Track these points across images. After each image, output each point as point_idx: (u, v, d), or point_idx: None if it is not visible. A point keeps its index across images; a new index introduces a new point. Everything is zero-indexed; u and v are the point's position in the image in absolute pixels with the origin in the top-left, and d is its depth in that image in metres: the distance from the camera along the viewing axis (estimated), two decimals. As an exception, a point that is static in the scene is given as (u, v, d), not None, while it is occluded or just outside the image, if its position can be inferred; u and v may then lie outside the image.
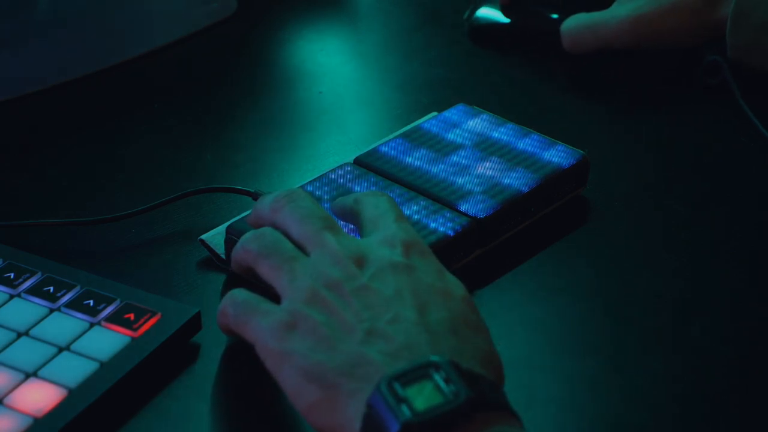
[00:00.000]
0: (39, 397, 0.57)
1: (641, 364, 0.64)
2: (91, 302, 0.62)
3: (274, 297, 0.58)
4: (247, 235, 0.62)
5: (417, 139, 0.75)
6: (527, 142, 0.75)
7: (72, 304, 0.62)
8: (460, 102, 0.79)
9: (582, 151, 0.74)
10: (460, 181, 0.71)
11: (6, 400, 0.57)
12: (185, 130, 0.82)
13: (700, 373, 0.63)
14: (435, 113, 0.79)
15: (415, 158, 0.73)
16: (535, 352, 0.65)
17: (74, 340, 0.60)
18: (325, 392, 0.53)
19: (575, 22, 0.88)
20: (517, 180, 0.72)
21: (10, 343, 0.60)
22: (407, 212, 0.68)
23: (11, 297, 0.63)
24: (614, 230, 0.73)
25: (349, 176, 0.71)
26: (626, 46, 0.87)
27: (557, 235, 0.72)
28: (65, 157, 0.78)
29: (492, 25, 0.93)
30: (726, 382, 0.63)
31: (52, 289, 0.63)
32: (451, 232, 0.68)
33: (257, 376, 0.58)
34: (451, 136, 0.76)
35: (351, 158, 0.74)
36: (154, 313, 0.62)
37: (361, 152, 0.74)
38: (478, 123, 0.77)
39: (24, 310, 0.62)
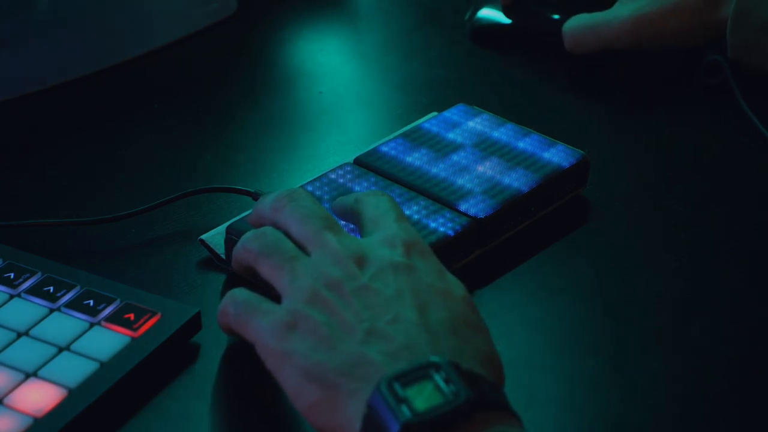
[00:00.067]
0: (39, 397, 0.57)
1: (641, 364, 0.64)
2: (91, 302, 0.62)
3: (274, 297, 0.58)
4: (248, 235, 0.62)
5: (417, 139, 0.75)
6: (527, 142, 0.75)
7: (72, 304, 0.62)
8: (460, 102, 0.79)
9: (582, 151, 0.74)
10: (460, 181, 0.71)
11: (6, 400, 0.57)
12: (185, 130, 0.82)
13: (700, 373, 0.63)
14: (435, 113, 0.79)
15: (415, 158, 0.73)
16: (535, 352, 0.65)
17: (74, 340, 0.60)
18: (325, 392, 0.53)
19: (577, 23, 0.88)
20: (517, 180, 0.72)
21: (10, 343, 0.60)
22: (407, 212, 0.68)
23: (11, 297, 0.63)
24: (614, 230, 0.73)
25: (349, 176, 0.71)
26: (628, 46, 0.87)
27: (557, 235, 0.72)
28: (65, 157, 0.78)
29: (493, 26, 0.93)
30: (726, 382, 0.63)
31: (52, 289, 0.63)
32: (451, 232, 0.68)
33: (257, 376, 0.58)
34: (451, 136, 0.76)
35: (351, 158, 0.74)
36: (154, 313, 0.62)
37: (361, 152, 0.74)
38: (478, 123, 0.77)
39: (24, 310, 0.62)
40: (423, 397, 0.51)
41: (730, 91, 0.84)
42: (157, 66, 0.89)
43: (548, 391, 0.62)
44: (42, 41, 0.85)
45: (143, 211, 0.71)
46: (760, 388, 0.63)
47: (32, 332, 0.61)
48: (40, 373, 0.58)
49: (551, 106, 0.86)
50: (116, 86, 0.86)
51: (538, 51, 0.91)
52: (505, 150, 0.74)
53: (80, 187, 0.75)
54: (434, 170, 0.72)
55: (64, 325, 0.61)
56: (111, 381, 0.58)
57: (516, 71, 0.90)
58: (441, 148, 0.74)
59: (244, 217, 0.67)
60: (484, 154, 0.74)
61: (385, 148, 0.74)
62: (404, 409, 0.51)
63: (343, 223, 0.66)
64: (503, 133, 0.76)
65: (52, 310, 0.62)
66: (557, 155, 0.74)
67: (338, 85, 0.89)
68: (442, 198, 0.70)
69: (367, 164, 0.73)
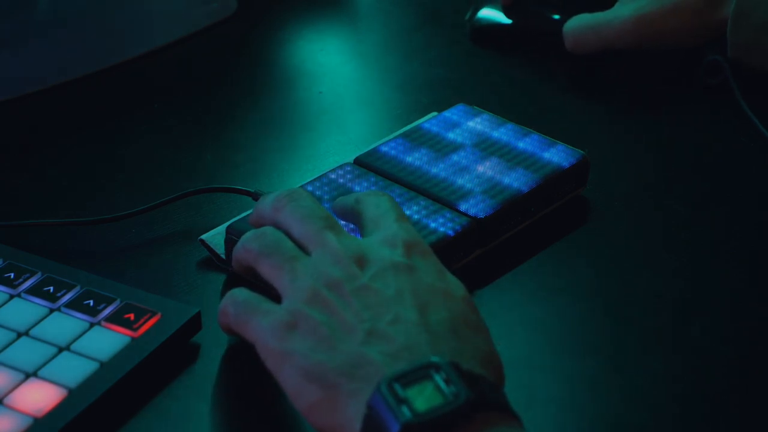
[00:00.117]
0: (39, 397, 0.57)
1: (641, 364, 0.64)
2: (91, 302, 0.62)
3: (274, 297, 0.58)
4: (248, 235, 0.62)
5: (417, 139, 0.75)
6: (527, 142, 0.75)
7: (72, 304, 0.62)
8: (460, 102, 0.79)
9: (582, 151, 0.74)
10: (460, 181, 0.71)
11: (6, 400, 0.57)
12: (185, 130, 0.82)
13: (700, 373, 0.63)
14: (435, 113, 0.79)
15: (415, 158, 0.73)
16: (535, 352, 0.65)
17: (74, 340, 0.60)
18: (325, 392, 0.53)
19: (578, 23, 0.88)
20: (517, 180, 0.72)
21: (10, 343, 0.60)
22: (407, 212, 0.68)
23: (11, 297, 0.63)
24: (614, 230, 0.73)
25: (349, 176, 0.71)
26: (629, 46, 0.87)
27: (557, 235, 0.72)
28: (65, 157, 0.78)
29: (494, 26, 0.93)
30: (726, 382, 0.63)
31: (52, 289, 0.63)
32: (451, 232, 0.68)
33: (257, 376, 0.58)
34: (451, 136, 0.76)
35: (351, 158, 0.74)
36: (154, 313, 0.62)
37: (361, 152, 0.74)
38: (478, 123, 0.77)
39: (24, 310, 0.62)
40: (423, 398, 0.51)
41: (730, 91, 0.84)
42: (157, 66, 0.89)
43: (548, 391, 0.62)
44: (42, 41, 0.85)
45: (143, 211, 0.71)
46: (760, 388, 0.63)
47: (32, 332, 0.61)
48: (40, 373, 0.58)
49: (551, 106, 0.86)
50: (116, 86, 0.86)
51: (538, 51, 0.91)
52: (505, 150, 0.74)
53: (80, 187, 0.75)
54: (434, 170, 0.72)
55: (64, 325, 0.61)
56: (111, 381, 0.58)
57: (516, 71, 0.90)
58: (441, 148, 0.74)
59: (244, 217, 0.67)
60: (484, 154, 0.74)
61: (385, 148, 0.74)
62: (404, 409, 0.51)
63: (343, 223, 0.65)
64: (503, 133, 0.76)
65: (52, 310, 0.62)
66: (557, 155, 0.74)
67: (338, 85, 0.89)
68: (442, 198, 0.70)
69: (367, 164, 0.73)
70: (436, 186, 0.71)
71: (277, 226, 0.62)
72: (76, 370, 0.58)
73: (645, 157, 0.81)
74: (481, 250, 0.70)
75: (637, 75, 0.89)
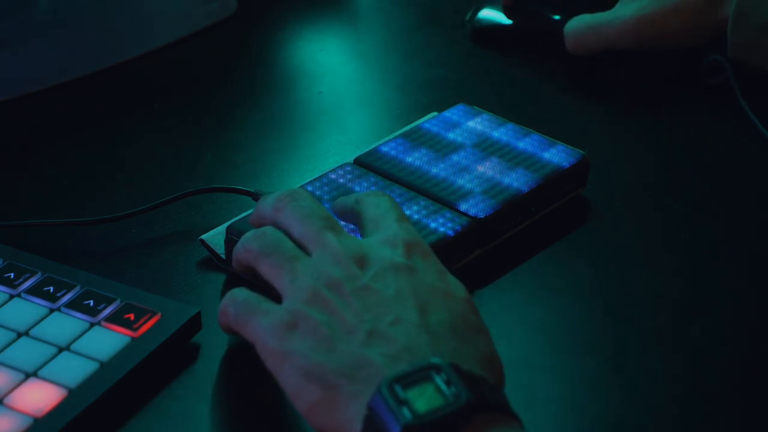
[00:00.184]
0: (39, 397, 0.57)
1: (641, 364, 0.64)
2: (91, 302, 0.62)
3: (274, 297, 0.58)
4: (249, 234, 0.62)
5: (417, 139, 0.75)
6: (527, 142, 0.75)
7: (72, 304, 0.62)
8: (460, 102, 0.79)
9: (582, 151, 0.74)
10: (460, 181, 0.71)
11: (6, 400, 0.57)
12: (185, 130, 0.82)
13: (700, 373, 0.63)
14: (435, 113, 0.79)
15: (415, 158, 0.73)
16: (535, 352, 0.65)
17: (74, 340, 0.60)
18: (325, 393, 0.53)
19: (578, 23, 0.88)
20: (517, 180, 0.72)
21: (10, 343, 0.60)
22: (407, 212, 0.68)
23: (11, 297, 0.63)
24: (614, 230, 0.73)
25: (349, 176, 0.71)
26: (629, 46, 0.87)
27: (557, 235, 0.72)
28: (65, 157, 0.78)
29: (494, 27, 0.93)
30: (726, 382, 0.63)
31: (52, 289, 0.63)
32: (451, 232, 0.68)
33: (257, 376, 0.58)
34: (451, 136, 0.76)
35: (351, 158, 0.74)
36: (154, 313, 0.62)
37: (361, 152, 0.74)
38: (478, 123, 0.77)
39: (24, 310, 0.62)
40: (424, 399, 0.51)
41: (730, 91, 0.84)
42: (157, 66, 0.89)
43: (548, 391, 0.62)
44: (42, 41, 0.85)
45: (143, 211, 0.71)
46: (760, 388, 0.63)
47: (32, 332, 0.61)
48: (40, 373, 0.58)
49: (551, 106, 0.86)
50: (116, 86, 0.86)
51: (538, 51, 0.91)
52: (505, 150, 0.74)
53: (80, 187, 0.75)
54: (434, 170, 0.72)
55: (64, 325, 0.61)
56: (111, 381, 0.58)
57: (516, 71, 0.90)
58: (441, 148, 0.74)
59: (244, 217, 0.67)
60: (484, 154, 0.74)
61: (385, 148, 0.74)
62: (405, 411, 0.51)
63: (343, 223, 0.65)
64: (503, 133, 0.76)
65: (52, 310, 0.62)
66: (557, 155, 0.74)
67: (338, 85, 0.89)
68: (442, 198, 0.70)
69: (367, 164, 0.73)
70: (436, 186, 0.71)
71: (278, 227, 0.62)
72: (76, 370, 0.58)
73: (645, 157, 0.81)
74: (481, 250, 0.70)
75: (637, 75, 0.89)
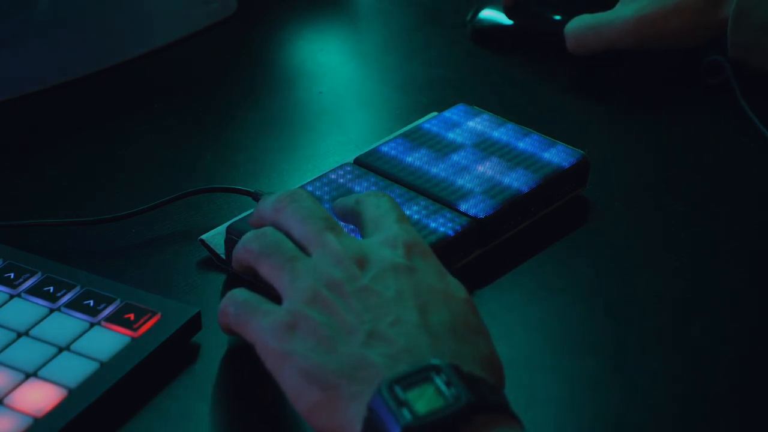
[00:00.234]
0: (39, 397, 0.57)
1: (641, 364, 0.64)
2: (91, 302, 0.62)
3: (274, 297, 0.58)
4: (249, 235, 0.62)
5: (417, 139, 0.75)
6: (527, 142, 0.75)
7: (72, 304, 0.62)
8: (460, 102, 0.79)
9: (582, 151, 0.74)
10: (460, 181, 0.71)
11: (6, 400, 0.57)
12: (185, 130, 0.82)
13: (700, 373, 0.63)
14: (435, 113, 0.79)
15: (415, 158, 0.73)
16: (535, 352, 0.65)
17: (74, 340, 0.60)
18: (325, 393, 0.53)
19: (579, 24, 0.88)
20: (517, 180, 0.72)
21: (10, 343, 0.60)
22: (407, 212, 0.68)
23: (11, 297, 0.63)
24: (614, 230, 0.73)
25: (349, 176, 0.71)
26: (630, 46, 0.87)
27: (557, 235, 0.72)
28: (65, 157, 0.78)
29: (495, 27, 0.93)
30: (726, 382, 0.63)
31: (52, 289, 0.63)
32: (451, 232, 0.68)
33: (257, 376, 0.58)
34: (451, 136, 0.76)
35: (351, 158, 0.74)
36: (154, 313, 0.62)
37: (361, 152, 0.74)
38: (478, 123, 0.77)
39: (24, 310, 0.62)
40: (424, 401, 0.51)
41: (730, 91, 0.84)
42: (157, 66, 0.89)
43: (548, 391, 0.62)
44: (42, 41, 0.85)
45: (143, 211, 0.71)
46: (760, 388, 0.63)
47: (32, 332, 0.61)
48: (40, 373, 0.58)
49: (551, 106, 0.86)
50: (116, 86, 0.86)
51: (538, 51, 0.91)
52: (505, 150, 0.74)
53: (80, 187, 0.75)
54: (434, 170, 0.72)
55: (64, 325, 0.61)
56: (111, 381, 0.58)
57: (516, 71, 0.90)
58: (441, 148, 0.74)
59: (244, 217, 0.67)
60: (484, 154, 0.74)
61: (385, 148, 0.74)
62: (405, 412, 0.51)
63: (342, 224, 0.65)
64: (503, 133, 0.76)
65: (52, 310, 0.62)
66: (557, 155, 0.74)
67: (338, 85, 0.89)
68: (442, 198, 0.70)
69: (367, 164, 0.73)
70: (436, 186, 0.71)
71: (278, 227, 0.62)
72: (76, 370, 0.58)
73: (645, 157, 0.81)
74: (481, 250, 0.70)
75: (637, 75, 0.89)
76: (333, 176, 0.71)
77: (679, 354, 0.64)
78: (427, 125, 0.77)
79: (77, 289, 0.63)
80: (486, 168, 0.73)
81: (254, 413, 0.59)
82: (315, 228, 0.60)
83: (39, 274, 0.64)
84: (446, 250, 0.66)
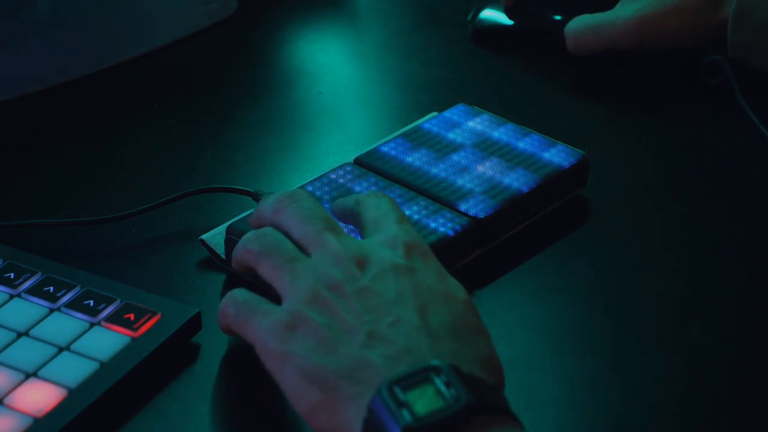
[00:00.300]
0: (39, 397, 0.57)
1: (641, 364, 0.64)
2: (91, 302, 0.62)
3: (274, 297, 0.58)
4: (249, 235, 0.62)
5: (417, 139, 0.75)
6: (527, 142, 0.75)
7: (72, 304, 0.62)
8: (460, 102, 0.79)
9: (582, 151, 0.74)
10: (460, 181, 0.71)
11: (6, 400, 0.57)
12: (185, 130, 0.82)
13: (700, 373, 0.63)
14: (435, 113, 0.79)
15: (415, 158, 0.73)
16: (535, 352, 0.65)
17: (74, 340, 0.60)
18: (325, 394, 0.53)
19: (579, 24, 0.88)
20: (517, 180, 0.72)
21: (10, 343, 0.60)
22: (407, 212, 0.68)
23: (11, 297, 0.63)
24: (614, 230, 0.73)
25: (349, 176, 0.71)
26: (630, 46, 0.87)
27: (557, 235, 0.72)
28: (65, 157, 0.78)
29: (495, 27, 0.93)
30: (726, 382, 0.63)
31: (52, 289, 0.63)
32: (451, 232, 0.68)
33: (257, 376, 0.58)
34: (451, 136, 0.76)
35: (351, 158, 0.74)
36: (154, 313, 0.62)
37: (361, 152, 0.74)
38: (478, 123, 0.77)
39: (24, 310, 0.62)
40: (424, 401, 0.51)
41: (730, 91, 0.84)
42: (157, 66, 0.89)
43: (548, 391, 0.62)
44: (42, 41, 0.85)
45: (143, 211, 0.71)
46: (760, 388, 0.63)
47: (32, 332, 0.61)
48: (40, 373, 0.58)
49: (551, 106, 0.86)
50: (116, 86, 0.86)
51: (538, 51, 0.91)
52: (505, 150, 0.74)
53: (80, 187, 0.75)
54: (434, 170, 0.72)
55: (64, 325, 0.61)
56: (111, 381, 0.58)
57: (516, 71, 0.90)
58: (441, 148, 0.74)
59: (244, 217, 0.67)
60: (484, 154, 0.74)
61: (385, 148, 0.74)
62: (405, 413, 0.51)
63: (342, 225, 0.65)
64: (503, 133, 0.76)
65: (52, 310, 0.62)
66: (557, 155, 0.74)
67: (338, 85, 0.89)
68: (442, 198, 0.70)
69: (367, 164, 0.73)
70: (436, 186, 0.71)
71: (278, 228, 0.62)
72: (76, 370, 0.58)
73: (645, 157, 0.81)
74: (481, 250, 0.70)
75: (637, 75, 0.89)
76: (333, 176, 0.71)
77: (679, 354, 0.64)
78: (427, 125, 0.77)
79: (77, 289, 0.63)
80: (486, 168, 0.73)
81: (254, 413, 0.59)
82: (315, 228, 0.60)
83: (39, 274, 0.64)
84: (446, 250, 0.66)
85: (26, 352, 0.59)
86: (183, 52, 0.91)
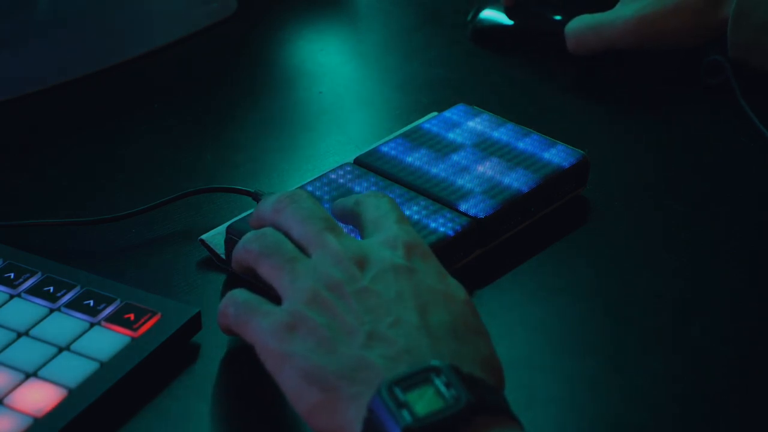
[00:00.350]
0: (39, 397, 0.57)
1: (641, 364, 0.64)
2: (91, 302, 0.62)
3: (274, 298, 0.58)
4: (249, 235, 0.62)
5: (417, 139, 0.75)
6: (527, 142, 0.75)
7: (72, 304, 0.62)
8: (460, 102, 0.79)
9: (582, 151, 0.74)
10: (460, 181, 0.71)
11: (6, 400, 0.57)
12: (185, 130, 0.82)
13: (700, 373, 0.63)
14: (435, 113, 0.79)
15: (415, 158, 0.73)
16: (535, 352, 0.65)
17: (74, 340, 0.60)
18: (325, 395, 0.53)
19: (579, 24, 0.88)
20: (517, 180, 0.72)
21: (10, 343, 0.60)
22: (407, 212, 0.68)
23: (11, 297, 0.63)
24: (614, 230, 0.73)
25: (349, 176, 0.71)
26: (630, 46, 0.87)
27: (557, 235, 0.72)
28: (65, 157, 0.78)
29: (495, 27, 0.93)
30: (726, 382, 0.63)
31: (52, 289, 0.63)
32: (451, 232, 0.68)
33: (257, 376, 0.58)
34: (451, 136, 0.76)
35: (351, 158, 0.74)
36: (154, 313, 0.62)
37: (361, 152, 0.74)
38: (478, 123, 0.77)
39: (24, 310, 0.62)
40: (424, 402, 0.51)
41: (730, 91, 0.84)
42: (157, 66, 0.89)
43: (548, 391, 0.62)
44: (42, 41, 0.85)
45: (143, 211, 0.71)
46: (760, 388, 0.63)
47: (32, 332, 0.61)
48: (40, 373, 0.58)
49: (551, 106, 0.86)
50: (116, 86, 0.86)
51: (538, 51, 0.91)
52: (505, 150, 0.74)
53: (80, 187, 0.75)
54: (434, 170, 0.72)
55: (64, 325, 0.61)
56: (111, 381, 0.58)
57: (516, 71, 0.90)
58: (441, 148, 0.74)
59: (244, 217, 0.67)
60: (484, 154, 0.74)
61: (385, 148, 0.74)
62: (405, 413, 0.51)
63: (342, 225, 0.65)
64: (503, 133, 0.76)
65: (52, 310, 0.62)
66: (557, 155, 0.74)
67: (338, 85, 0.89)
68: (442, 198, 0.70)
69: (367, 164, 0.73)
70: (436, 186, 0.71)
71: (278, 228, 0.62)
72: (76, 370, 0.58)
73: (645, 157, 0.81)
74: (481, 250, 0.70)
75: (637, 75, 0.89)
76: (333, 176, 0.71)
77: (679, 354, 0.64)
78: (427, 125, 0.77)
79: (77, 289, 0.63)
80: (486, 168, 0.73)
81: (254, 413, 0.59)
82: (315, 228, 0.60)
83: (39, 274, 0.64)
84: (446, 250, 0.66)
85: (26, 352, 0.59)
86: (183, 52, 0.91)
